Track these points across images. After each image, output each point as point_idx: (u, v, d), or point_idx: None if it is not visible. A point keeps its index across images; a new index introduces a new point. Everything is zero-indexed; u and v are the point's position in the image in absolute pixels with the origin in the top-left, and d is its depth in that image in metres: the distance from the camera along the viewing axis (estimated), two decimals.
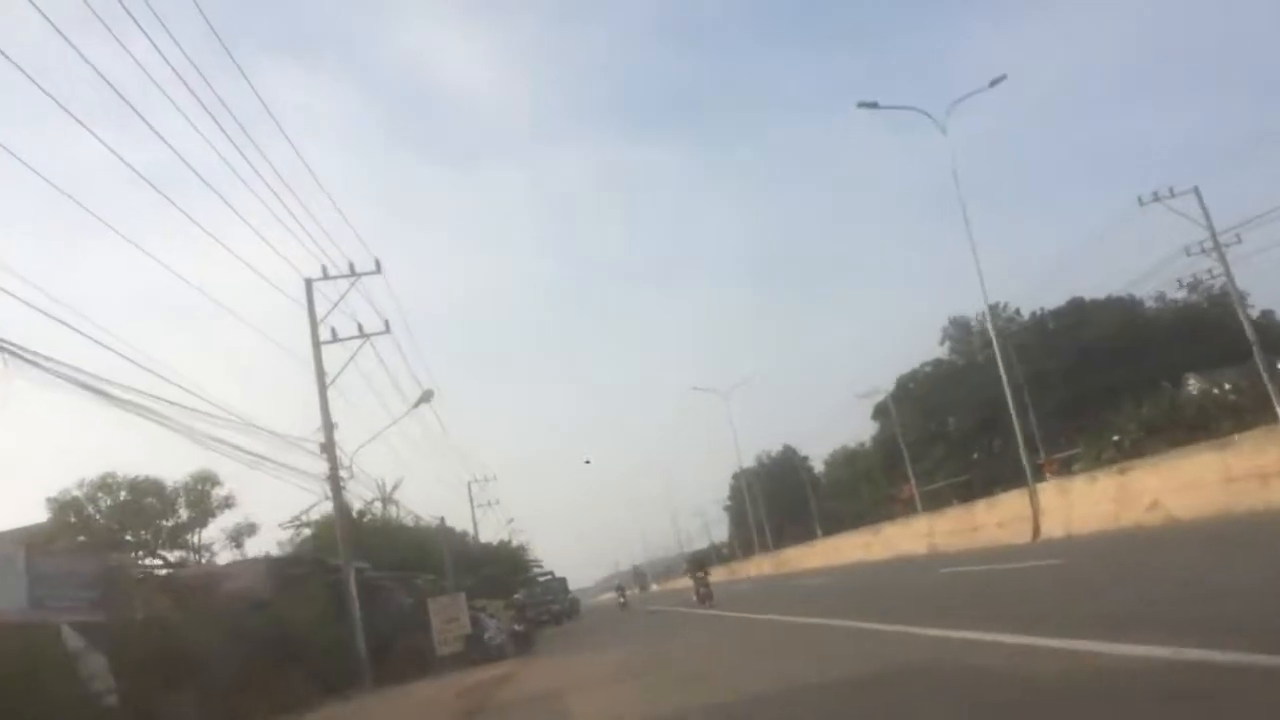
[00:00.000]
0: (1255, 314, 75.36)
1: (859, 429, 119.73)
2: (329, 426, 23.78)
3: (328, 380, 24.08)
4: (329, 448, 23.62)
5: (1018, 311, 77.57)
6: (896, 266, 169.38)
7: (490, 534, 61.44)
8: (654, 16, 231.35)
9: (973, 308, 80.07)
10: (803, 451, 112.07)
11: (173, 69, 14.54)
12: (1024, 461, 24.42)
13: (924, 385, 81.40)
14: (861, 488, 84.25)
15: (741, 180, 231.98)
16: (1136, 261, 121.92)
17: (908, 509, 63.56)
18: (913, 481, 66.49)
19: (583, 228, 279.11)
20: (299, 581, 23.24)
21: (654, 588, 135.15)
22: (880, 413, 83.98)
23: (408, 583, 36.04)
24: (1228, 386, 51.08)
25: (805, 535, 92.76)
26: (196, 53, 20.13)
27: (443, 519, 44.92)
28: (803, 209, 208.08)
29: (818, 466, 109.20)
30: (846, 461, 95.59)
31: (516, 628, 26.97)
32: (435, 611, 25.49)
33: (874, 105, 32.91)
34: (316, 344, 24.14)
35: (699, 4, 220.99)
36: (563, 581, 57.15)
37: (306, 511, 34.22)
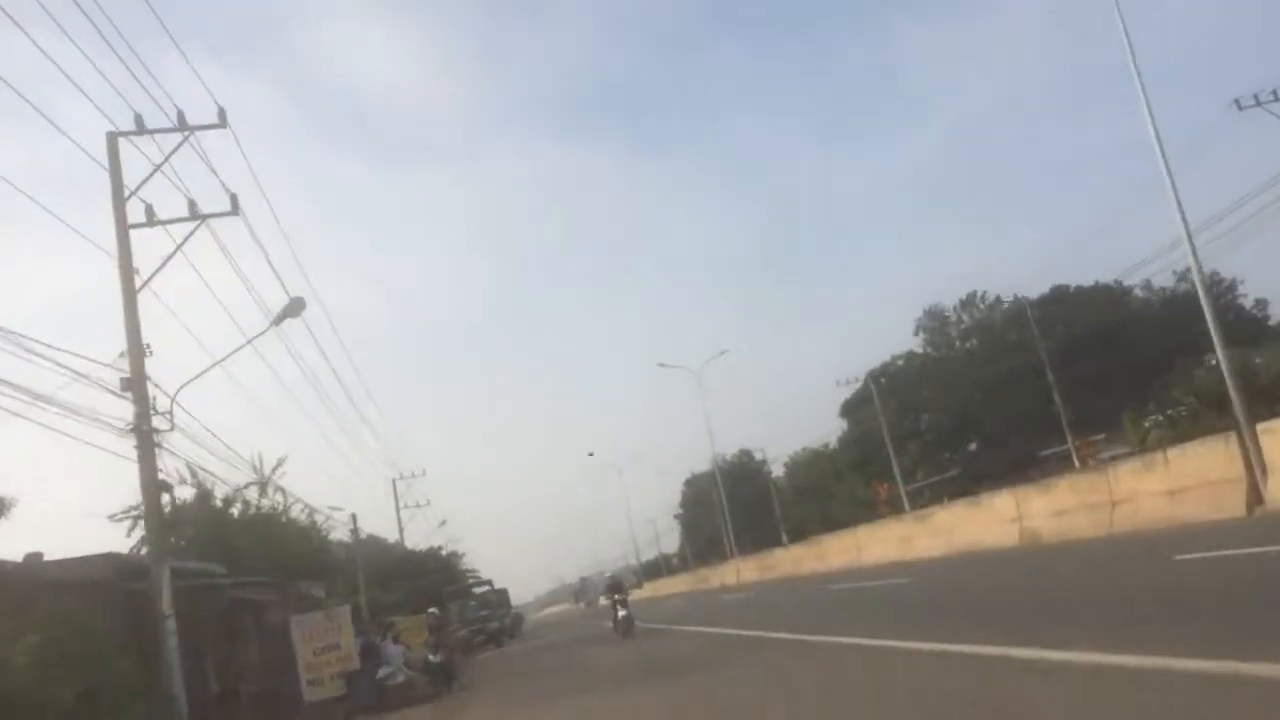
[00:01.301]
0: (1249, 302, 69.76)
1: (821, 430, 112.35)
2: (137, 350, 15.08)
3: (137, 281, 15.41)
4: (136, 382, 14.90)
5: (998, 299, 70.61)
6: (855, 268, 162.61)
7: (421, 539, 52.42)
8: (591, 13, 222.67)
9: (949, 298, 73.07)
10: (759, 455, 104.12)
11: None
12: (1233, 398, 15.28)
13: (896, 380, 74.04)
14: (832, 489, 76.48)
15: (686, 182, 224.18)
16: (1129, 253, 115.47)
17: (893, 510, 55.90)
18: (899, 479, 58.78)
19: (521, 230, 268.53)
20: (79, 594, 14.36)
21: (603, 601, 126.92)
22: (849, 410, 76.49)
23: (297, 595, 27.27)
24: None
25: (768, 541, 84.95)
26: (101, 49, 14.33)
27: (353, 517, 36.03)
28: (750, 212, 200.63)
29: (775, 470, 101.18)
30: (809, 463, 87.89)
31: (432, 658, 18.38)
32: (302, 635, 16.80)
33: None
34: (122, 221, 15.45)
35: (638, 2, 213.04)
36: (503, 594, 48.40)
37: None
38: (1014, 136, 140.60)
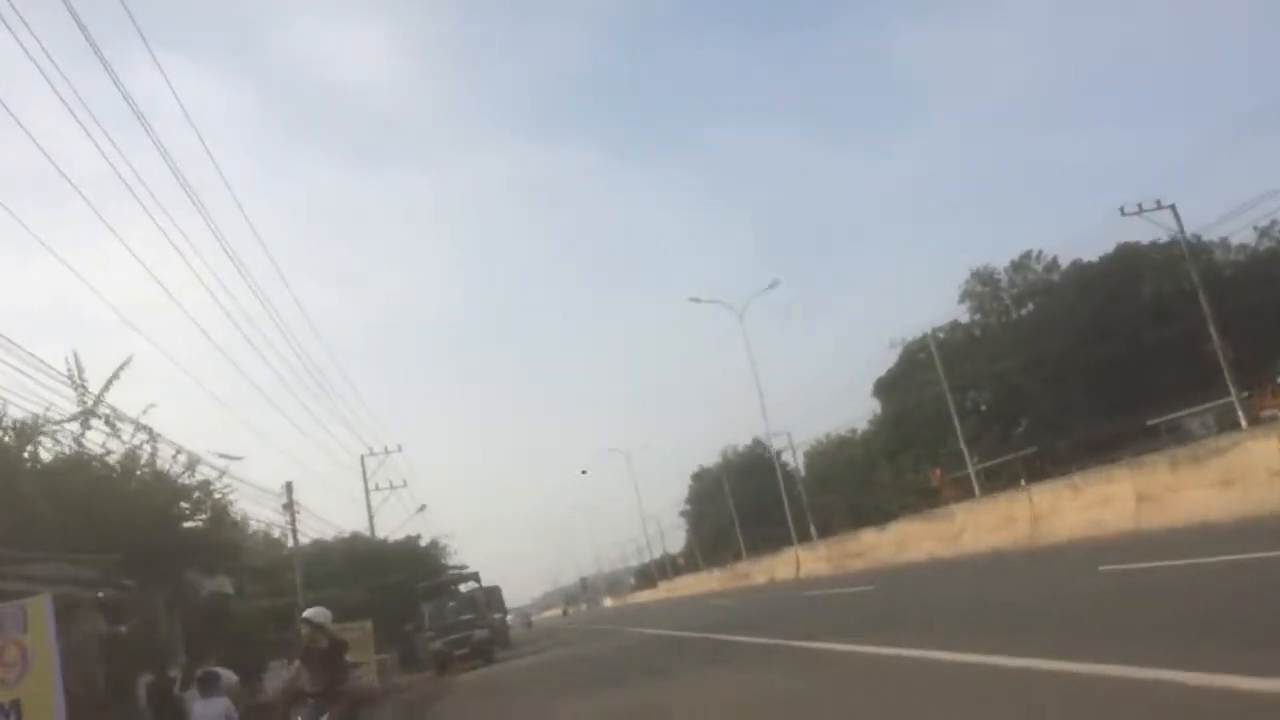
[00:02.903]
0: None
1: (839, 418, 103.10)
2: None
3: None
4: None
5: (1055, 260, 61.11)
6: (859, 269, 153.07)
7: (397, 528, 42.57)
8: (573, 13, 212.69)
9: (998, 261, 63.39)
10: (779, 444, 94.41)
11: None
12: None
13: (939, 353, 64.31)
14: (865, 477, 66.74)
15: (669, 185, 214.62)
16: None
17: (959, 494, 46.38)
18: (967, 460, 49.13)
19: (504, 231, 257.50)
20: None
21: (607, 602, 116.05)
22: (884, 388, 66.89)
23: (180, 592, 17.94)
24: None
25: (783, 538, 75.34)
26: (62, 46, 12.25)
27: (288, 487, 26.21)
28: (739, 215, 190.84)
29: (792, 461, 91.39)
30: (834, 451, 78.20)
31: None
32: None
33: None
34: None
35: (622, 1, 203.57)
36: (494, 593, 38.61)
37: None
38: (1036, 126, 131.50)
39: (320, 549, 38.36)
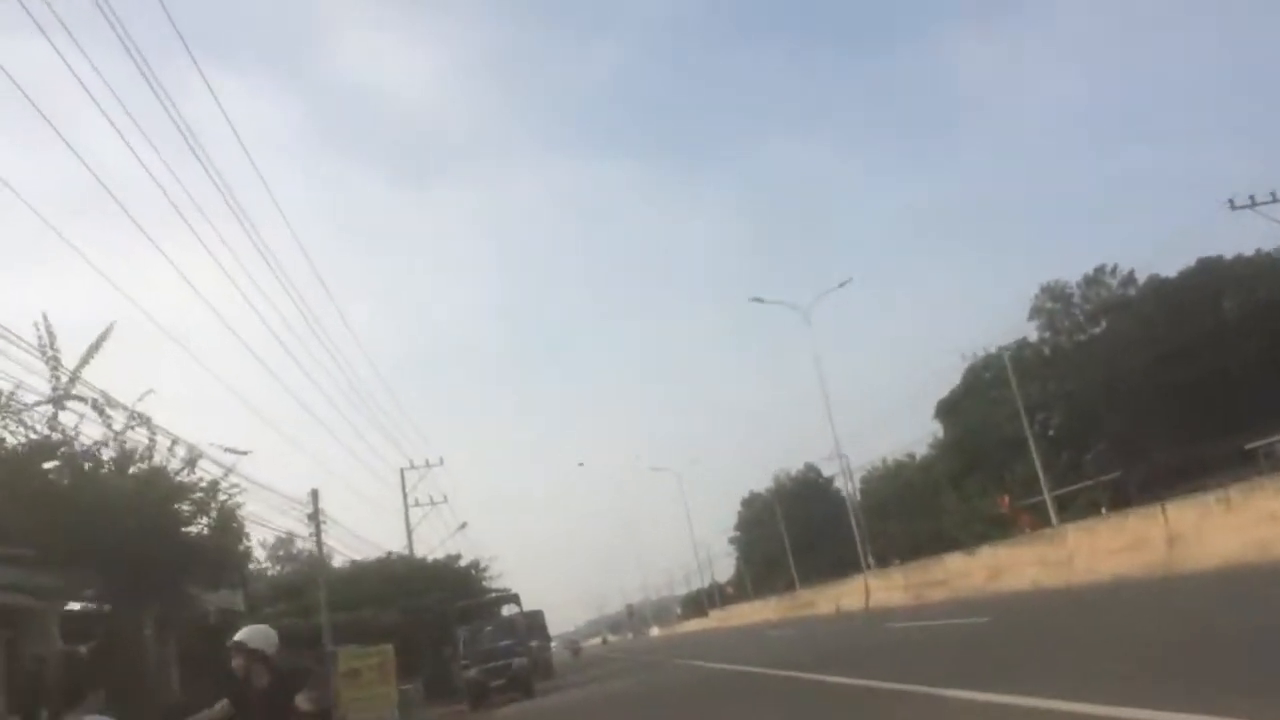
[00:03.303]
0: None
1: (898, 439, 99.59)
2: None
3: None
4: None
5: (1131, 274, 57.56)
6: (905, 285, 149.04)
7: (437, 545, 40.28)
8: (619, 23, 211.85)
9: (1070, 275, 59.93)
10: (835, 469, 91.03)
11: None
12: None
13: (1004, 373, 60.85)
14: (927, 504, 63.26)
15: (712, 201, 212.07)
16: None
17: (1035, 522, 43.11)
18: (1044, 486, 45.74)
19: (547, 246, 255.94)
20: None
21: (654, 631, 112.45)
22: (946, 410, 63.49)
23: (179, 609, 15.84)
24: None
25: (842, 565, 71.96)
26: (122, 64, 6.16)
27: (314, 495, 23.91)
28: (784, 230, 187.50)
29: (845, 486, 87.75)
30: (892, 476, 74.73)
31: None
32: None
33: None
34: None
35: (667, 12, 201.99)
36: (536, 617, 36.15)
37: None
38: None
39: (356, 569, 36.25)
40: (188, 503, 14.91)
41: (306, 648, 19.23)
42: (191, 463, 14.52)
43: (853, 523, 38.03)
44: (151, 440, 14.49)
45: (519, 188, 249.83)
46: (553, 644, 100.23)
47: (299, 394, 57.41)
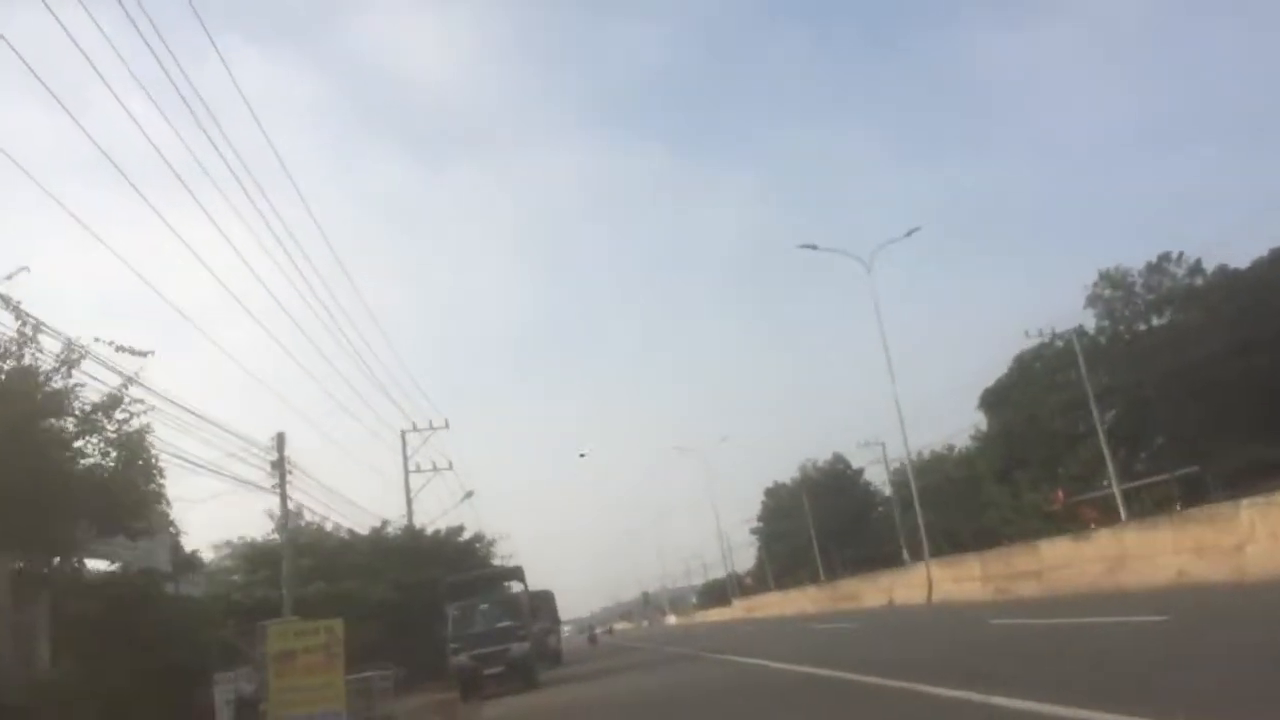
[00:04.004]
0: None
1: (937, 432, 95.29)
2: None
3: None
4: None
5: (1198, 263, 52.70)
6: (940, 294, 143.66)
7: (439, 514, 36.32)
8: (642, 8, 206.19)
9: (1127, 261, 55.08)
10: (869, 457, 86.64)
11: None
12: None
13: (1056, 363, 56.30)
14: (966, 497, 58.73)
15: (738, 186, 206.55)
16: None
17: (1103, 518, 38.78)
18: (1114, 478, 41.29)
19: (571, 231, 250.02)
20: None
21: (670, 620, 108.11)
22: (991, 401, 58.91)
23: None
24: None
25: (866, 562, 67.61)
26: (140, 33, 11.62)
27: (279, 439, 19.94)
28: (807, 218, 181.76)
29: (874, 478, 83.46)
30: (930, 468, 70.07)
31: None
32: None
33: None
34: None
35: None
36: (544, 598, 32.19)
37: None
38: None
39: (346, 539, 32.44)
40: (70, 419, 10.95)
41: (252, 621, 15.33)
42: (69, 364, 10.55)
43: (917, 511, 33.59)
44: (22, 335, 10.54)
45: (545, 170, 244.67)
46: (565, 629, 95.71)
47: (294, 348, 53.63)
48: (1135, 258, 58.50)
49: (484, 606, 20.74)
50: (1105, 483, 49.02)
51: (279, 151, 39.10)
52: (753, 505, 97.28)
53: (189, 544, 20.69)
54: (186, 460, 16.32)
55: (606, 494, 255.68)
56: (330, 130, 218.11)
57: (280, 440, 19.43)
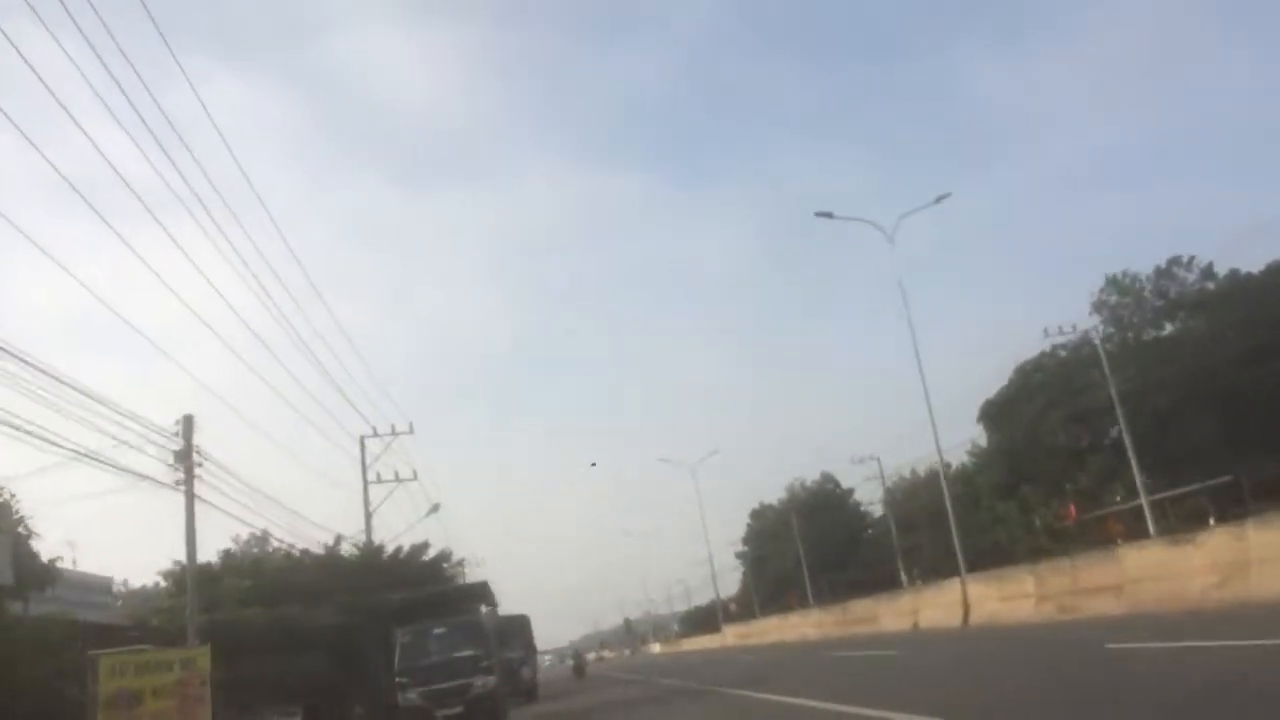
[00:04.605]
0: None
1: (921, 450, 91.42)
2: None
3: None
4: None
5: (1210, 267, 49.79)
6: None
7: (403, 529, 32.39)
8: (628, 34, 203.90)
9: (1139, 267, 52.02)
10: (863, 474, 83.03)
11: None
12: None
13: (1058, 374, 53.14)
14: (966, 515, 55.08)
15: (726, 214, 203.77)
16: None
17: (1129, 533, 35.42)
18: (1142, 491, 37.91)
19: (549, 258, 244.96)
20: None
21: (655, 648, 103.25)
22: (992, 414, 55.57)
23: None
24: None
25: (856, 585, 63.88)
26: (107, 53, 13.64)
27: (187, 422, 16.09)
28: (800, 249, 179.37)
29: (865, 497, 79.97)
30: (922, 487, 66.62)
31: None
32: None
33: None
34: None
35: (681, 16, 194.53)
36: (516, 624, 28.32)
37: None
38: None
39: (294, 558, 28.58)
40: None
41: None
42: None
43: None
44: None
45: (528, 195, 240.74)
46: (545, 659, 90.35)
47: (256, 359, 49.81)
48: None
49: (439, 631, 16.79)
50: (1119, 498, 45.74)
51: (249, 172, 35.53)
52: (736, 529, 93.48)
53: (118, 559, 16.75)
54: (60, 446, 12.63)
55: (587, 519, 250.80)
56: (307, 149, 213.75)
57: (187, 425, 15.61)
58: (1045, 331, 45.50)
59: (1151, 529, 33.73)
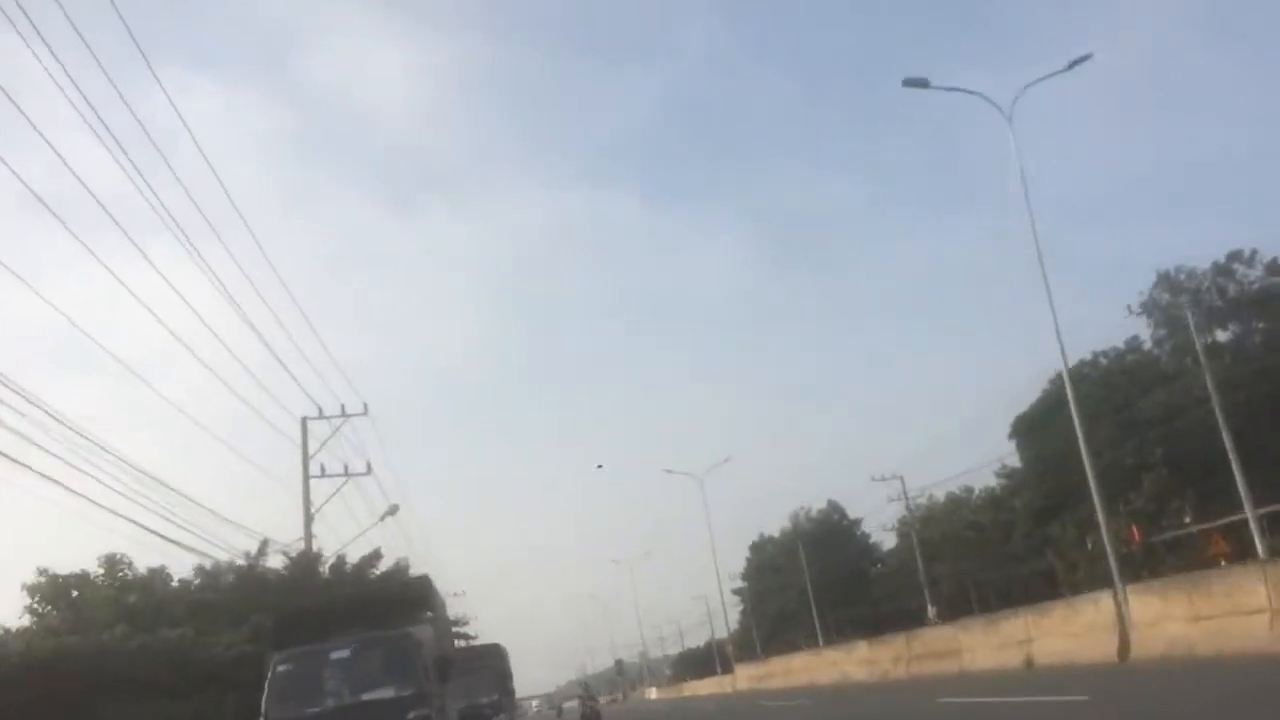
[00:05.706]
0: None
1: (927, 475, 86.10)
2: None
3: None
4: None
5: (1275, 262, 44.27)
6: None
7: (361, 533, 25.82)
8: (618, 54, 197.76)
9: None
10: (854, 512, 76.76)
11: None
12: None
13: (1100, 386, 47.35)
14: (997, 543, 49.10)
15: (717, 238, 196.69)
16: None
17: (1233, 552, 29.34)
18: (1247, 502, 31.75)
19: (535, 281, 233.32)
20: None
21: (652, 694, 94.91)
22: (1026, 428, 49.61)
23: None
24: None
25: (867, 621, 57.50)
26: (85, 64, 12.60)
27: None
28: (791, 270, 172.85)
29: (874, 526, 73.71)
30: (945, 515, 60.46)
31: None
32: None
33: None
34: None
35: (670, 29, 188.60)
36: (488, 655, 21.86)
37: None
38: None
39: (209, 572, 22.14)
40: None
41: None
42: None
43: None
44: None
45: (514, 216, 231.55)
46: (533, 704, 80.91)
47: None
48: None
49: (340, 656, 9.99)
50: (1187, 519, 39.70)
51: (229, 186, 29.57)
52: (735, 562, 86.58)
53: None
54: None
55: (574, 554, 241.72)
56: (290, 166, 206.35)
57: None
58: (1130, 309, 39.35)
59: (1261, 550, 27.63)
